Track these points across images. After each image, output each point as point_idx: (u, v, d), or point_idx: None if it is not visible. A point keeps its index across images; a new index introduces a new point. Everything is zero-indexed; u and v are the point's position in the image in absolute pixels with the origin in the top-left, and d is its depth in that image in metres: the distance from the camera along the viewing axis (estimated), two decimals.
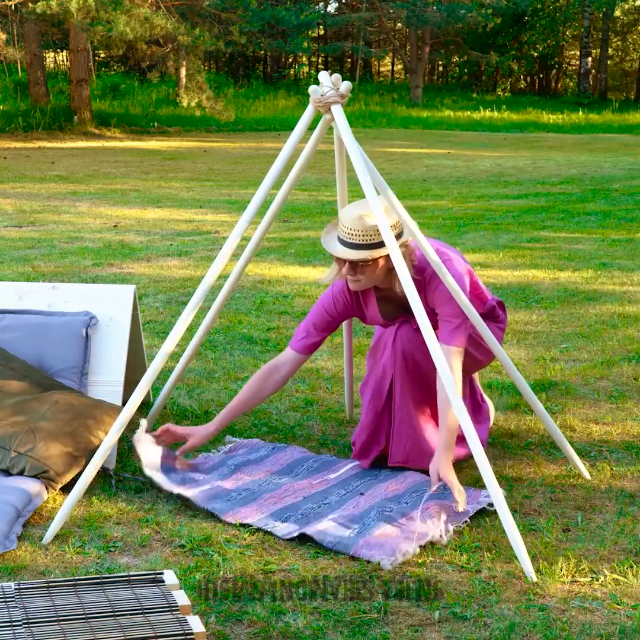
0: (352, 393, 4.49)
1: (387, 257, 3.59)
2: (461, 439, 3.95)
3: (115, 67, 38.61)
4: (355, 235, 3.60)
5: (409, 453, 3.89)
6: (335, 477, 3.82)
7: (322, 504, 3.58)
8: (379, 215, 3.38)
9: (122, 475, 3.78)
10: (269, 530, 3.38)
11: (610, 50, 40.66)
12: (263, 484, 3.74)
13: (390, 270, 3.66)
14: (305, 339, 3.92)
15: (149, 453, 3.71)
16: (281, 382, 3.94)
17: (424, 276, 3.71)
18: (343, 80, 3.53)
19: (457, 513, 3.47)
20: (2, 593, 2.53)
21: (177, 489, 3.60)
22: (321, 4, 39.15)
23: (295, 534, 3.31)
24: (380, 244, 3.56)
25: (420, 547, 3.23)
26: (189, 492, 3.59)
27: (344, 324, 4.31)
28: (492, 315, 4.06)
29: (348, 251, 3.62)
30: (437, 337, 3.71)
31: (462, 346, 3.70)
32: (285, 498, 3.61)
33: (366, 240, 3.59)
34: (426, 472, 3.88)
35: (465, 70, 41.75)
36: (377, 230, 3.52)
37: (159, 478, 3.64)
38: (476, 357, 3.98)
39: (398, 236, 3.59)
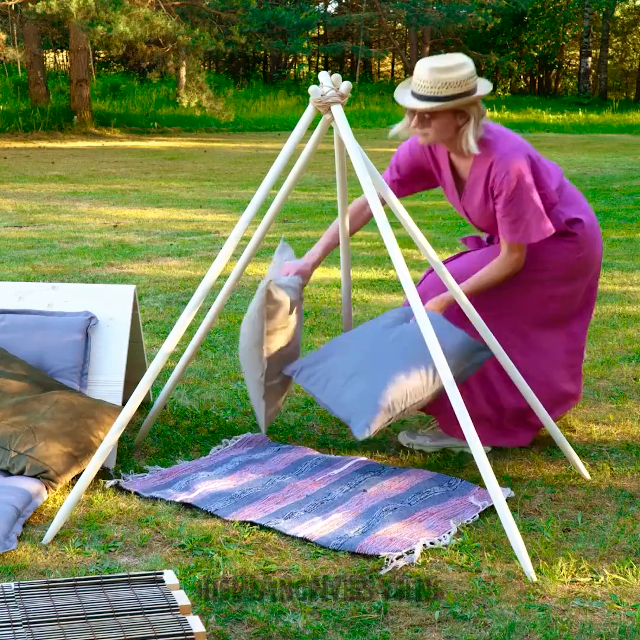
0: None
1: (455, 113, 3.69)
2: (519, 422, 4.03)
3: (115, 67, 38.60)
4: (424, 86, 3.65)
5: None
6: (339, 473, 3.83)
7: (325, 500, 3.59)
8: (455, 71, 3.59)
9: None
10: (272, 526, 3.38)
11: (610, 50, 40.64)
12: (267, 484, 3.75)
13: (458, 128, 3.72)
14: (392, 177, 4.04)
15: (147, 483, 3.75)
16: (369, 217, 4.06)
17: (491, 159, 3.75)
18: (343, 80, 3.53)
19: (458, 514, 3.47)
20: (2, 593, 2.53)
21: (179, 498, 3.60)
22: (321, 4, 39.14)
23: (300, 536, 3.32)
24: (448, 98, 3.63)
25: (423, 546, 3.24)
26: (191, 497, 3.60)
27: (344, 324, 4.29)
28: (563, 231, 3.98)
29: (415, 101, 3.67)
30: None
31: (518, 242, 3.80)
32: (288, 498, 3.62)
33: (434, 93, 3.63)
34: (427, 468, 3.88)
35: None
36: (447, 84, 3.62)
37: (159, 494, 3.65)
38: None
39: (470, 91, 3.66)
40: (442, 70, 3.61)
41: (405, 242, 4.85)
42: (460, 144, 3.75)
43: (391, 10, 32.97)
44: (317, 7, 37.43)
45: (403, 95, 3.73)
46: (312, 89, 3.51)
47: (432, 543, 3.27)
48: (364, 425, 3.55)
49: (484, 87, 3.73)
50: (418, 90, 3.66)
